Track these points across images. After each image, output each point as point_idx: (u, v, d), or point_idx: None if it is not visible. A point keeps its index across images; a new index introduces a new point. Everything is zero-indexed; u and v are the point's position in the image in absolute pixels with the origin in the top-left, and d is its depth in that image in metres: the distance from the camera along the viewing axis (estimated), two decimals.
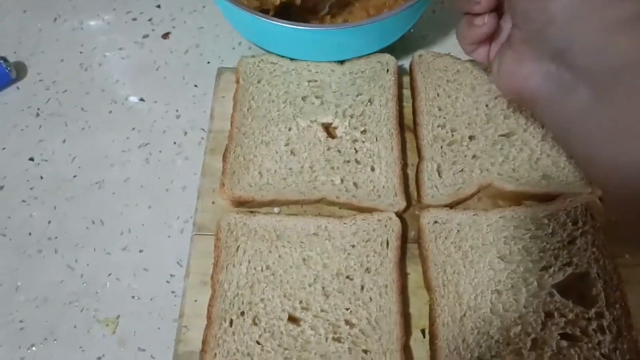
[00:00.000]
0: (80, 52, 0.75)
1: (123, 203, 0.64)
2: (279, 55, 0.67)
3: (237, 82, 0.65)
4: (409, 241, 0.59)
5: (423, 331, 0.54)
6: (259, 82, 0.65)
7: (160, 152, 0.67)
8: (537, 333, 0.52)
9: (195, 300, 0.56)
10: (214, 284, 0.54)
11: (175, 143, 0.68)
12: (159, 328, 0.57)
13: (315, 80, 0.65)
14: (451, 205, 0.59)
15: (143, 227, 0.62)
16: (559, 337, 0.52)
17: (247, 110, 0.63)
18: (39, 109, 0.70)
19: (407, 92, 0.67)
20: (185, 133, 0.68)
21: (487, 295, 0.53)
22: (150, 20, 0.78)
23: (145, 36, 0.76)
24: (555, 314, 0.53)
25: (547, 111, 0.47)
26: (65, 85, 0.72)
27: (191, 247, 0.59)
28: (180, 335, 0.54)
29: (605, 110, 0.41)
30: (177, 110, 0.70)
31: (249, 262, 0.55)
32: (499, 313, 0.53)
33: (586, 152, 0.44)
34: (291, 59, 0.66)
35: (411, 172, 0.62)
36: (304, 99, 0.64)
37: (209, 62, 0.73)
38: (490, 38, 0.54)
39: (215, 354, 0.51)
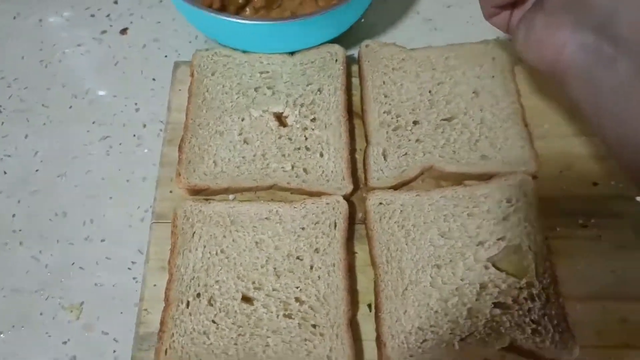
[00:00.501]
0: (41, 49, 0.77)
1: (85, 195, 0.66)
2: (232, 48, 0.69)
3: (192, 75, 0.68)
4: (357, 222, 0.62)
5: (369, 306, 0.58)
6: (213, 74, 0.68)
7: (120, 144, 0.70)
8: (473, 303, 0.56)
9: (155, 285, 0.59)
10: (171, 269, 0.57)
11: (135, 135, 0.70)
12: (121, 313, 0.60)
13: (267, 72, 0.68)
14: (396, 187, 0.63)
15: (105, 218, 0.65)
16: (492, 306, 0.56)
17: (202, 102, 0.66)
18: (1, 106, 0.72)
19: (356, 81, 0.70)
20: (145, 125, 0.71)
21: (427, 270, 0.57)
22: (108, 16, 0.80)
23: (104, 32, 0.78)
24: (490, 285, 0.57)
25: (579, 85, 0.43)
26: (26, 81, 0.74)
27: (150, 235, 0.62)
28: (140, 318, 0.57)
29: None
30: (136, 104, 0.72)
31: (205, 246, 0.58)
32: (438, 286, 0.57)
33: (619, 130, 0.42)
34: (244, 52, 0.69)
35: (360, 157, 0.66)
36: (256, 89, 0.67)
37: (166, 56, 0.76)
38: (513, 4, 0.51)
39: (173, 334, 0.54)
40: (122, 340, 0.59)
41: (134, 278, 0.62)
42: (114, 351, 0.58)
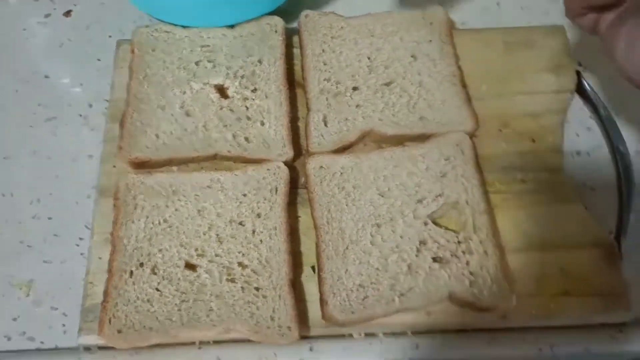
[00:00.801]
0: None
1: (32, 175, 0.67)
2: (173, 24, 0.70)
3: (132, 52, 0.68)
4: (300, 187, 0.63)
5: (313, 267, 0.59)
6: (153, 50, 0.68)
7: (66, 124, 0.70)
8: (412, 259, 0.57)
9: (100, 258, 0.59)
10: (114, 241, 0.58)
11: (80, 115, 0.70)
12: (70, 288, 0.60)
13: (208, 45, 0.69)
14: (337, 152, 0.63)
15: (51, 196, 0.65)
16: (431, 261, 0.57)
17: (143, 77, 0.66)
18: None
19: (298, 51, 0.71)
20: (90, 105, 0.71)
21: (367, 229, 0.58)
22: None
23: (48, 15, 0.78)
24: (429, 240, 0.58)
25: None
26: None
27: (95, 210, 0.62)
28: (87, 291, 0.58)
29: None
30: (81, 84, 0.73)
31: (147, 217, 0.59)
32: (378, 244, 0.58)
33: None
34: (184, 27, 0.70)
35: (302, 126, 0.67)
36: (197, 63, 0.67)
37: (110, 36, 0.76)
38: (605, 7, 0.46)
39: (117, 303, 0.55)
40: (70, 314, 0.59)
41: (81, 254, 0.62)
42: (63, 325, 0.59)
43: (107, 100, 0.70)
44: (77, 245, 0.63)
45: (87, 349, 0.57)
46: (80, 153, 0.68)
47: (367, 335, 0.56)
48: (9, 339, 0.58)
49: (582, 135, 0.68)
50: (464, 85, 0.67)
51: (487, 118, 0.66)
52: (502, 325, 0.56)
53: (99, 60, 0.74)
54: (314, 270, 0.59)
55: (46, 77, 0.74)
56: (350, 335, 0.57)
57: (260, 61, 0.67)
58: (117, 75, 0.69)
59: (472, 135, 0.64)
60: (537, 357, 0.56)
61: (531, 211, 0.61)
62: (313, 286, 0.58)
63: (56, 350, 0.58)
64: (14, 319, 0.59)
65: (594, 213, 0.62)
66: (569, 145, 0.66)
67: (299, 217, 0.62)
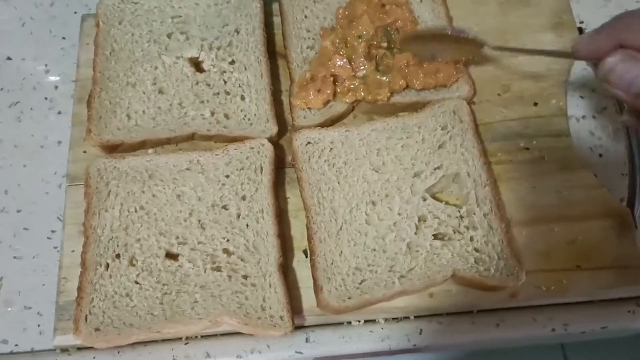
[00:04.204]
0: None
1: None
2: None
3: (97, 25, 0.63)
4: (287, 166, 0.59)
5: (305, 252, 0.55)
6: (120, 23, 0.63)
7: (31, 109, 0.65)
8: (412, 237, 0.52)
9: (73, 251, 0.55)
10: (86, 231, 0.53)
11: (46, 98, 0.65)
12: (43, 285, 0.56)
13: (180, 16, 0.63)
14: (325, 125, 0.59)
15: (20, 187, 0.61)
16: (432, 238, 0.52)
17: (110, 53, 0.61)
18: None
19: (278, 20, 0.65)
20: (57, 87, 0.66)
21: (362, 207, 0.54)
22: None
23: None
24: (429, 216, 0.53)
25: None
26: None
27: (66, 199, 0.57)
28: (60, 287, 0.54)
29: None
30: (46, 65, 0.67)
31: (122, 204, 0.54)
32: (374, 223, 0.53)
33: None
34: None
35: (286, 99, 0.62)
36: (168, 36, 0.62)
37: (75, 12, 0.70)
38: None
39: (92, 299, 0.51)
40: (46, 313, 0.55)
41: (54, 247, 0.58)
42: (39, 325, 0.55)
43: (74, 81, 0.65)
44: (49, 239, 0.58)
45: (65, 350, 0.53)
46: (48, 139, 0.63)
47: (367, 322, 0.53)
48: None
49: (586, 97, 0.63)
50: None
51: (485, 83, 0.61)
52: (510, 304, 0.52)
53: (64, 38, 0.69)
54: (306, 255, 0.55)
55: (8, 58, 0.68)
56: (349, 323, 0.53)
57: (237, 31, 0.62)
58: (83, 52, 0.64)
59: (470, 102, 0.59)
60: (550, 337, 0.52)
61: (536, 181, 0.57)
62: (306, 272, 0.54)
63: (32, 353, 0.54)
64: None
65: (603, 180, 0.57)
66: (572, 109, 0.62)
67: (288, 198, 0.57)
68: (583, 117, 0.62)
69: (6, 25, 0.71)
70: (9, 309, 0.56)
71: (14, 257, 0.58)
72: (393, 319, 0.53)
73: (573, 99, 0.62)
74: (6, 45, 0.69)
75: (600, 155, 0.60)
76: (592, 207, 0.56)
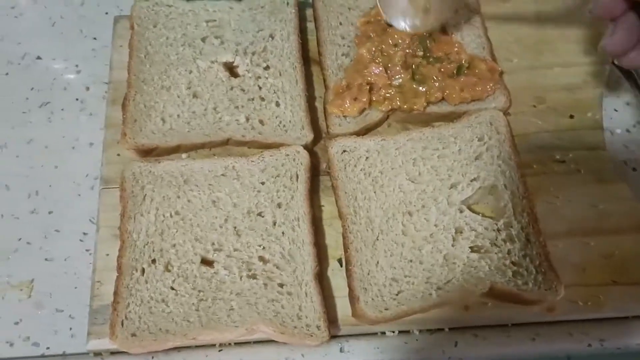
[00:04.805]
0: None
1: (28, 165, 0.62)
2: None
3: (132, 28, 0.62)
4: (321, 174, 0.59)
5: (340, 260, 0.54)
6: (154, 26, 0.62)
7: (62, 110, 0.65)
8: (448, 249, 0.52)
9: (107, 254, 0.54)
10: (122, 235, 0.53)
11: (77, 99, 0.65)
12: (75, 287, 0.56)
13: (214, 20, 0.63)
14: (360, 134, 0.58)
15: (51, 188, 0.60)
16: (469, 251, 0.52)
17: (145, 56, 0.61)
18: None
19: (311, 25, 0.65)
20: (88, 88, 0.66)
21: (398, 218, 0.54)
22: None
23: None
24: (466, 228, 0.53)
25: None
26: None
27: (99, 202, 0.57)
28: (94, 291, 0.53)
29: None
30: (77, 66, 0.67)
31: (157, 209, 0.54)
32: (411, 234, 0.53)
33: None
34: (187, 0, 0.64)
35: (320, 106, 0.62)
36: (203, 39, 0.62)
37: (107, 13, 0.70)
38: None
39: (129, 304, 0.50)
40: (78, 316, 0.54)
41: (87, 250, 0.57)
42: (70, 328, 0.54)
43: (105, 83, 0.65)
44: (81, 241, 0.58)
45: (98, 354, 0.52)
46: (79, 140, 0.63)
47: (401, 332, 0.52)
48: (11, 344, 0.54)
49: (620, 110, 0.63)
50: (493, 59, 0.61)
51: (520, 94, 0.61)
52: (547, 319, 0.52)
53: (95, 39, 0.69)
54: (340, 264, 0.54)
55: (38, 58, 0.68)
56: (383, 333, 0.52)
57: (272, 36, 0.62)
58: (115, 54, 0.64)
59: (505, 113, 0.59)
60: (585, 352, 0.52)
61: (571, 194, 0.57)
62: (340, 281, 0.53)
63: (63, 356, 0.53)
64: (16, 323, 0.55)
65: (637, 194, 0.57)
66: (607, 121, 0.62)
67: (322, 206, 0.57)
68: (617, 130, 0.61)
69: (36, 24, 0.71)
70: (40, 311, 0.55)
71: (45, 259, 0.57)
72: (427, 330, 0.52)
73: (607, 112, 0.62)
74: (36, 44, 0.69)
75: (634, 169, 0.60)
76: (627, 221, 0.56)
